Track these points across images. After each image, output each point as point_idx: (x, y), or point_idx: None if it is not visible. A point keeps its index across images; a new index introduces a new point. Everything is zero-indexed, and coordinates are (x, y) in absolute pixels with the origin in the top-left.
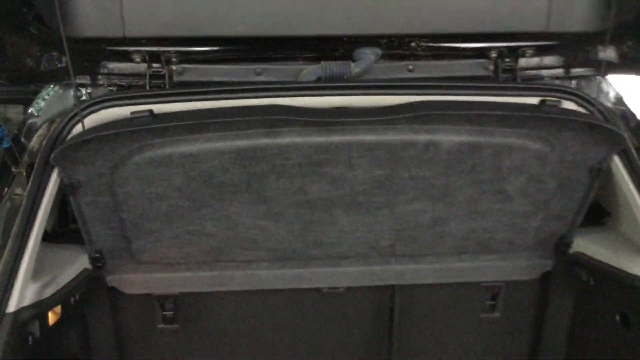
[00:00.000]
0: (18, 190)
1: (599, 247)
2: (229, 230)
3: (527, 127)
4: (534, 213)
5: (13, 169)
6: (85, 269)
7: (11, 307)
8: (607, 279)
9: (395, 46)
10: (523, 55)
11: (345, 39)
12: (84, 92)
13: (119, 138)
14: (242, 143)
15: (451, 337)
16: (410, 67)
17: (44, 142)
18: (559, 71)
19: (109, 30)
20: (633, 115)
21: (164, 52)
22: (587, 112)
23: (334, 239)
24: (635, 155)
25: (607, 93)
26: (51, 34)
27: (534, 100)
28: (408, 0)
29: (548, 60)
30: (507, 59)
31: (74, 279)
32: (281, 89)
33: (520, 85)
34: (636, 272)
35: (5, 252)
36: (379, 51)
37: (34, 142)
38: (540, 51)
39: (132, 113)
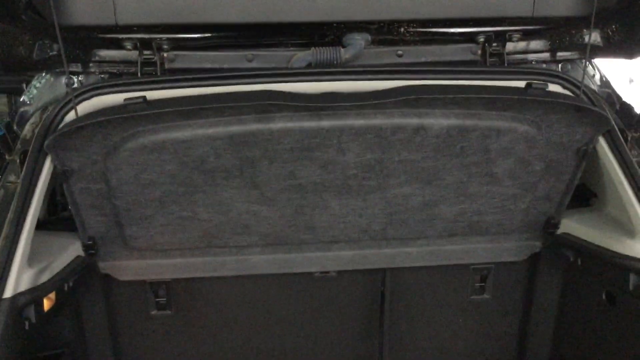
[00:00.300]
0: (11, 178)
1: (586, 228)
2: (221, 215)
3: (514, 110)
4: (522, 195)
5: (6, 157)
6: (79, 256)
7: (8, 292)
8: (593, 258)
9: (385, 32)
10: (510, 40)
11: (335, 24)
12: (75, 80)
13: (113, 124)
14: (234, 129)
15: (442, 319)
16: (400, 52)
17: (37, 129)
18: (546, 55)
19: (100, 18)
20: (618, 97)
21: (155, 39)
22: (573, 95)
23: (325, 223)
24: (620, 136)
25: (593, 76)
26: (43, 22)
27: (521, 84)
28: None
29: (534, 44)
30: (495, 44)
31: (67, 266)
32: (272, 75)
33: (507, 69)
34: (621, 251)
35: (1, 239)
36: (368, 37)
37: (27, 130)
38: (527, 35)
39: (125, 100)
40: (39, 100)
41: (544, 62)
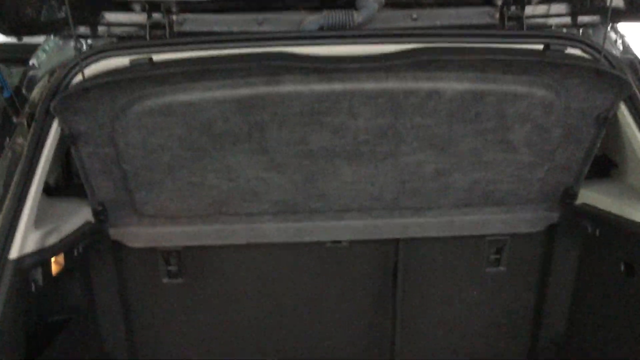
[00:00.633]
0: (19, 140)
1: (605, 198)
2: (231, 182)
3: (532, 74)
4: (539, 164)
5: (14, 119)
6: (88, 222)
7: (13, 253)
8: (612, 229)
9: None
10: (529, 3)
11: None
12: (84, 43)
13: (118, 86)
14: (242, 91)
15: (456, 291)
16: (414, 15)
17: (44, 92)
18: (566, 19)
19: None
20: None
21: (163, 1)
22: (593, 59)
23: (336, 191)
24: None
25: (615, 41)
26: None
27: (539, 47)
28: None
29: (554, 8)
30: (513, 7)
31: (76, 230)
32: (283, 38)
33: (525, 33)
34: None
35: (7, 200)
36: None
37: (35, 93)
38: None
39: (131, 61)
40: (48, 64)
41: (565, 26)
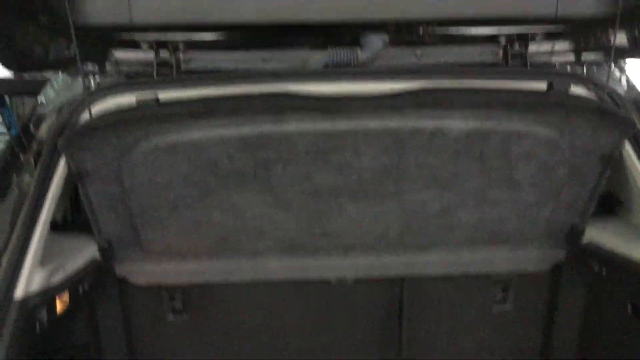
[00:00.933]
0: (26, 178)
1: (612, 237)
2: (236, 219)
3: (536, 113)
4: (544, 202)
5: (21, 157)
6: (94, 259)
7: (19, 293)
8: (619, 269)
9: (403, 32)
10: (532, 41)
11: (352, 25)
12: (92, 79)
13: (125, 125)
14: (248, 130)
15: (462, 330)
16: (418, 53)
17: (52, 130)
18: (570, 57)
19: (116, 18)
20: None
21: (171, 40)
22: (597, 98)
23: (341, 229)
24: None
25: (619, 79)
26: (59, 21)
27: (542, 86)
28: None
29: (558, 45)
30: (516, 45)
31: (82, 268)
32: (288, 76)
33: (529, 71)
34: None
35: (13, 238)
36: (386, 37)
37: (43, 130)
38: (550, 37)
39: (138, 100)
40: (56, 101)
41: (569, 64)
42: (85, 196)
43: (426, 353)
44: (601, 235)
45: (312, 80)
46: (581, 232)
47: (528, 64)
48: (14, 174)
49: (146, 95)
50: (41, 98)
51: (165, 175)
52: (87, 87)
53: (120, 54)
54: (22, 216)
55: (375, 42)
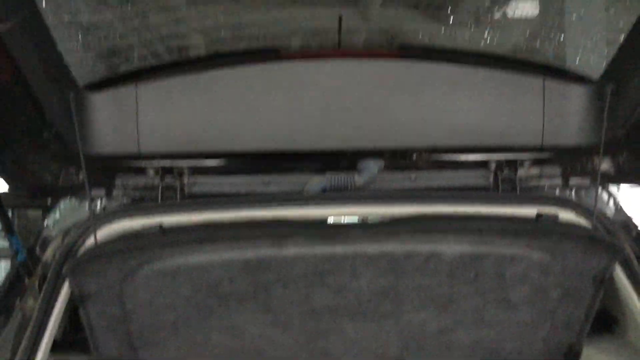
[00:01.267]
0: (30, 302)
1: (608, 357)
2: (235, 340)
3: (527, 239)
4: (541, 322)
5: (26, 281)
6: None
7: None
8: None
9: (398, 158)
10: (521, 167)
11: (349, 152)
12: (98, 203)
13: (130, 252)
14: (249, 254)
15: None
16: (413, 177)
17: (57, 254)
18: (558, 181)
19: (125, 148)
20: (634, 224)
21: (176, 166)
22: (586, 223)
23: (340, 349)
24: (637, 264)
25: (607, 202)
26: (69, 151)
27: (532, 211)
28: (409, 115)
29: (546, 170)
30: (506, 170)
31: None
32: (287, 201)
33: (519, 197)
34: None
35: None
36: (382, 163)
37: (48, 254)
38: (538, 163)
39: (142, 228)
40: (62, 224)
41: (557, 188)
42: (85, 317)
43: None
44: (598, 355)
45: (311, 206)
46: (579, 352)
47: (518, 188)
48: (18, 298)
49: (150, 221)
50: (47, 221)
51: (166, 297)
52: (92, 211)
53: (126, 180)
54: (24, 343)
55: (372, 167)
